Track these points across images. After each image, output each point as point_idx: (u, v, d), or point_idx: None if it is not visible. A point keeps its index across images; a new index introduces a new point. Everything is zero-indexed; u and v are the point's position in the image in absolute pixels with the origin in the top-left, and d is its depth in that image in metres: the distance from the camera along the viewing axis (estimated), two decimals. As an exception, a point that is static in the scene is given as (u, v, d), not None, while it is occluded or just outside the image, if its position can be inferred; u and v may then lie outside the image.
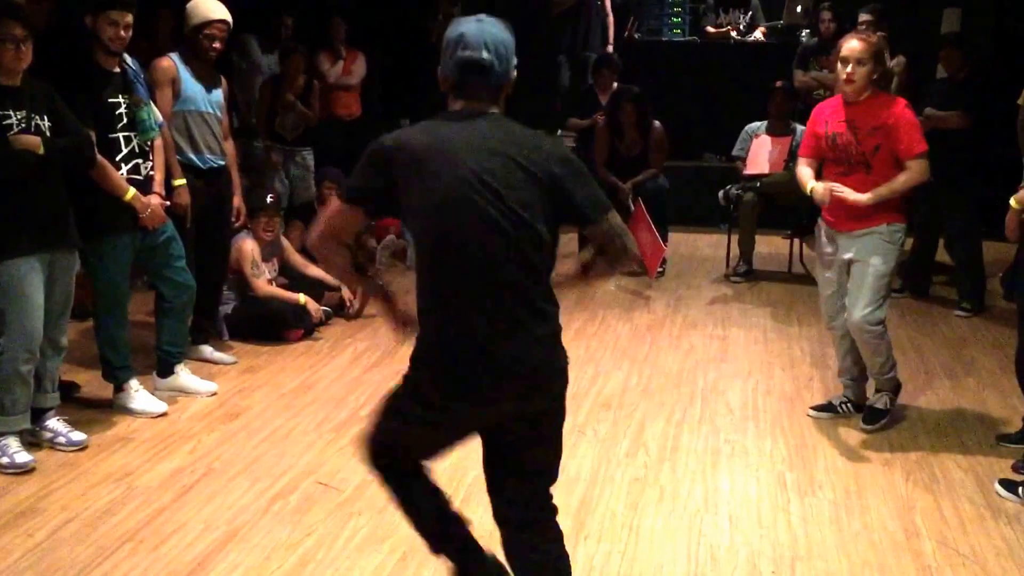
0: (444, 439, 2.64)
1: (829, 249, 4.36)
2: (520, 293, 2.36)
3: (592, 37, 9.30)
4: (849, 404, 4.56)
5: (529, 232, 2.35)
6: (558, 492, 3.81)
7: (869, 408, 4.45)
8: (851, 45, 4.08)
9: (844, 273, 4.31)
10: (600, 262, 2.51)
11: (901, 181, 4.11)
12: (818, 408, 4.61)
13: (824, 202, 4.20)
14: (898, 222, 4.21)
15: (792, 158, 7.15)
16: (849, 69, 4.07)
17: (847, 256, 4.26)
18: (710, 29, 9.53)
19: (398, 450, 2.63)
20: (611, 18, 9.48)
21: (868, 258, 4.18)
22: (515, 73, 2.53)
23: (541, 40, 9.36)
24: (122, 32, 4.30)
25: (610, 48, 9.37)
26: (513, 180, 2.35)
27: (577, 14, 9.20)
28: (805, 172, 4.35)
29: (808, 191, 4.26)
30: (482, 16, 2.48)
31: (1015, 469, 3.96)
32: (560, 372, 2.54)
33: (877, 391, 4.47)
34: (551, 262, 2.44)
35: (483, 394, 2.40)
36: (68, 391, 4.64)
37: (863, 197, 4.11)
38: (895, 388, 4.47)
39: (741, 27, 9.44)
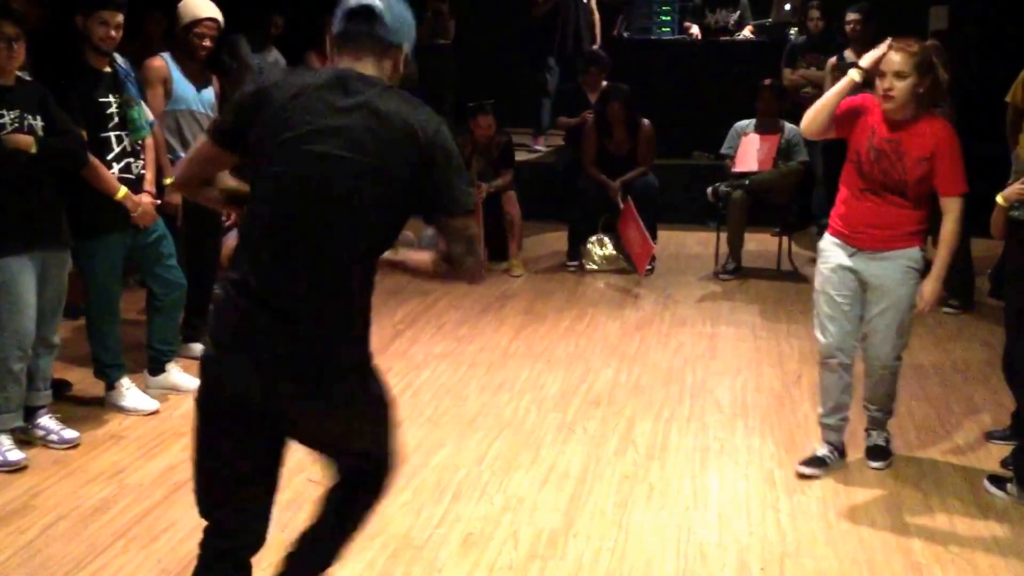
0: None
1: (848, 264, 3.85)
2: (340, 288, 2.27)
3: (581, 37, 9.32)
4: (837, 451, 4.06)
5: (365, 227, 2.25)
6: (548, 489, 3.85)
7: (874, 447, 4.07)
8: (891, 57, 3.63)
9: (859, 298, 3.88)
10: (442, 263, 2.35)
11: (952, 233, 3.76)
12: (808, 463, 4.01)
13: (877, 56, 3.67)
14: (922, 246, 3.87)
15: (781, 156, 7.20)
16: (887, 84, 3.63)
17: (870, 279, 3.82)
18: (689, 26, 9.54)
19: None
20: (597, 16, 9.48)
21: (897, 287, 3.79)
22: (408, 47, 2.39)
23: (528, 41, 9.39)
24: (112, 32, 4.30)
25: (596, 47, 9.37)
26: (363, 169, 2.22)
27: (561, 14, 9.20)
28: (820, 101, 3.84)
29: (857, 77, 3.73)
30: None
31: (1004, 466, 3.99)
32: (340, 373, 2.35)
33: (872, 430, 4.11)
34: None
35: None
36: (60, 389, 4.65)
37: (934, 283, 3.77)
38: (886, 422, 4.14)
39: (729, 25, 9.45)
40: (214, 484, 2.41)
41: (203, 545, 2.48)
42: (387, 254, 2.36)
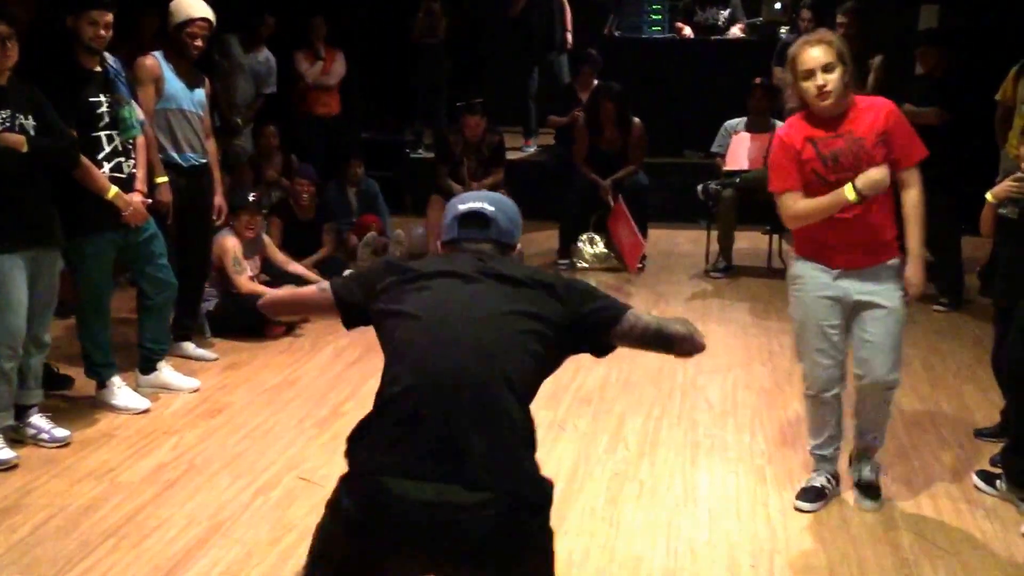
0: None
1: (831, 293, 3.57)
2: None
3: (556, 36, 9.32)
4: (833, 480, 3.81)
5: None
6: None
7: (867, 484, 3.73)
8: (811, 55, 3.41)
9: (845, 327, 3.61)
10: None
11: (920, 204, 3.55)
12: (807, 498, 3.73)
13: (883, 186, 3.44)
14: (899, 254, 3.61)
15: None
16: (819, 80, 3.40)
17: (859, 297, 3.55)
18: (681, 27, 9.56)
19: None
20: (569, 15, 9.43)
21: (891, 300, 3.53)
22: (520, 247, 2.44)
23: (505, 43, 9.40)
24: (102, 32, 4.30)
25: (569, 37, 9.31)
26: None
27: (535, 14, 9.21)
28: (804, 204, 3.51)
29: (852, 198, 3.41)
30: None
31: (993, 463, 4.00)
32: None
33: (861, 460, 3.79)
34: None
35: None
36: (63, 384, 4.72)
37: (915, 268, 3.58)
38: (876, 451, 3.83)
39: (719, 23, 9.47)
40: None
41: None
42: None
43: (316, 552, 2.21)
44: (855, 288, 3.54)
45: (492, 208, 2.37)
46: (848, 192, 3.41)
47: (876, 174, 3.41)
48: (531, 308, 2.21)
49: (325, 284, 2.42)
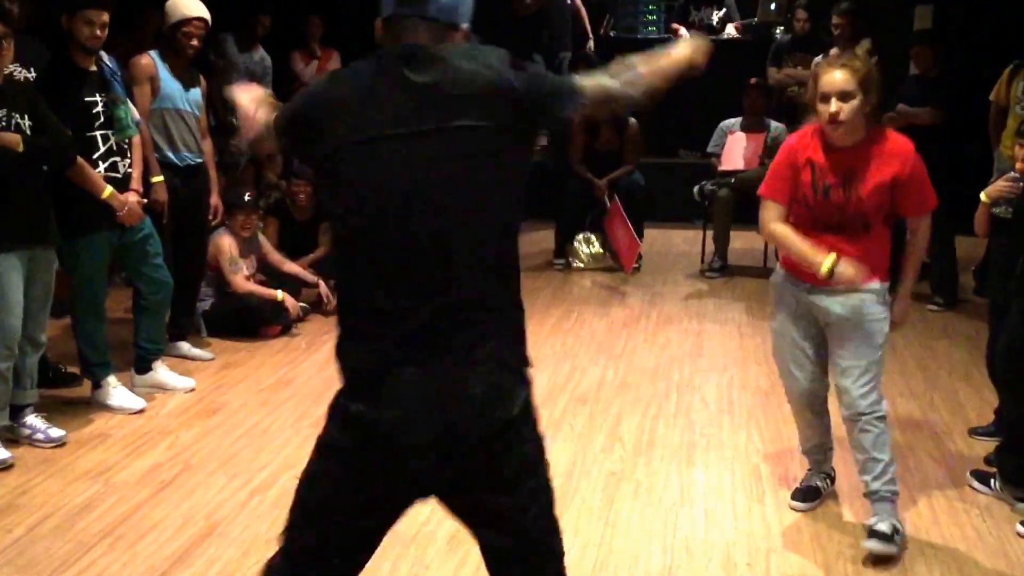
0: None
1: (804, 301, 3.43)
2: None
3: (564, 36, 9.32)
4: (828, 480, 3.76)
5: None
6: (536, 486, 3.86)
7: (872, 530, 3.34)
8: (832, 77, 3.21)
9: (820, 337, 3.46)
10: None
11: (920, 250, 3.45)
12: (800, 497, 3.70)
13: (856, 283, 3.24)
14: (885, 282, 3.39)
15: (768, 154, 7.23)
16: (833, 107, 3.19)
17: (828, 317, 3.37)
18: (677, 28, 9.57)
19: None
20: (584, 13, 9.46)
21: (861, 324, 3.30)
22: (466, 24, 2.08)
23: (516, 41, 9.38)
24: (98, 31, 4.29)
25: (590, 44, 9.36)
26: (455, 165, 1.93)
27: (547, 14, 9.21)
28: (783, 231, 3.38)
29: (822, 271, 3.21)
30: None
31: (987, 462, 4.01)
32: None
33: (873, 505, 3.41)
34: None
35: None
36: (69, 381, 4.79)
37: (901, 304, 3.43)
38: (895, 511, 3.41)
39: (714, 23, 9.48)
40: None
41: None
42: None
43: (303, 502, 2.08)
44: (823, 306, 3.36)
45: None
46: (823, 265, 3.21)
47: (853, 273, 3.18)
48: (487, 145, 1.95)
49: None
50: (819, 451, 3.73)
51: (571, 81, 2.13)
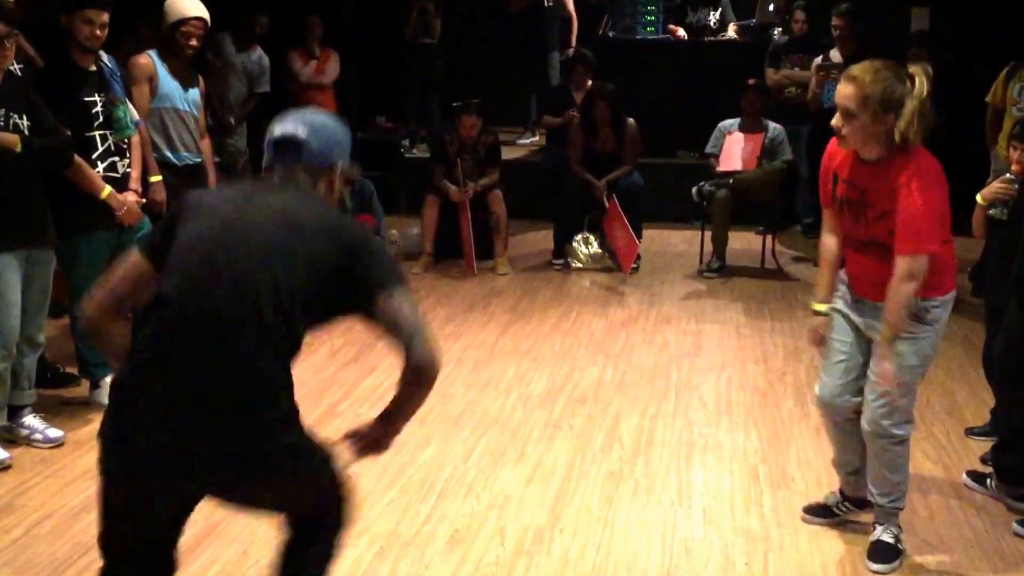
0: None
1: (848, 312, 3.30)
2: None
3: (548, 36, 9.35)
4: (848, 503, 3.56)
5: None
6: (534, 486, 3.87)
7: (876, 543, 3.33)
8: (840, 90, 3.02)
9: (861, 347, 3.28)
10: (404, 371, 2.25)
11: (897, 294, 3.02)
12: (813, 512, 3.61)
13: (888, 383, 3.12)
14: (936, 295, 3.14)
15: (765, 155, 7.24)
16: (836, 121, 3.04)
17: (867, 331, 3.24)
18: (675, 29, 9.59)
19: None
20: (575, 22, 9.48)
21: (896, 344, 3.11)
22: (340, 163, 2.37)
23: (507, 38, 9.42)
24: (98, 31, 4.28)
25: (569, 52, 9.39)
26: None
27: (540, 13, 9.24)
28: (822, 248, 3.30)
29: (812, 308, 3.36)
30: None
31: (983, 461, 4.02)
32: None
33: (879, 520, 3.36)
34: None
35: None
36: (68, 382, 4.78)
37: (887, 366, 3.10)
38: (897, 516, 3.38)
39: (710, 24, 9.49)
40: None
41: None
42: None
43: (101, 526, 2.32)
44: (864, 319, 3.24)
45: (304, 131, 2.31)
46: (813, 306, 3.36)
47: (886, 371, 3.09)
48: (303, 249, 2.20)
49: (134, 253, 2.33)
50: (845, 468, 3.51)
51: (396, 276, 2.28)
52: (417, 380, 2.24)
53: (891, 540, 3.31)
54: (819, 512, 3.60)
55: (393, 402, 2.33)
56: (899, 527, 3.37)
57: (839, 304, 3.33)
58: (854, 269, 3.28)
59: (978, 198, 4.07)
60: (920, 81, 2.98)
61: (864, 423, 3.25)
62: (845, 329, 3.31)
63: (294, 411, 2.25)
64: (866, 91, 2.95)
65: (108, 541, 2.32)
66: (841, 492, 3.57)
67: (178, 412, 2.12)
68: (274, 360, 2.18)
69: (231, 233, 2.19)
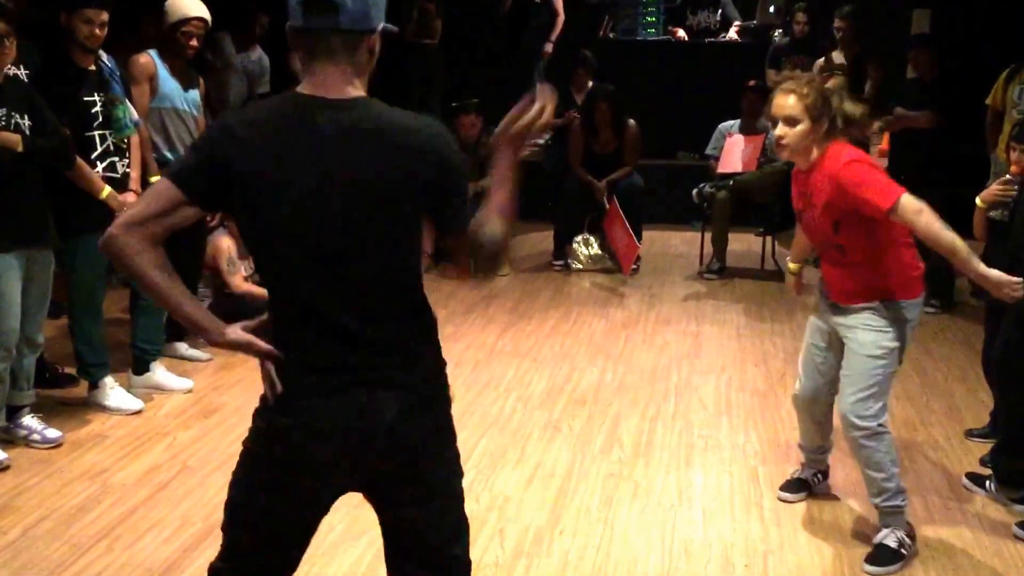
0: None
1: (820, 316, 3.54)
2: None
3: (531, 36, 9.38)
4: (819, 475, 3.82)
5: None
6: (534, 487, 3.87)
7: (877, 546, 3.35)
8: (776, 101, 3.24)
9: (834, 348, 3.48)
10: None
11: (928, 228, 3.14)
12: (789, 489, 3.80)
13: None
14: (906, 298, 3.31)
15: (765, 156, 7.24)
16: (779, 131, 3.22)
17: (838, 329, 3.41)
18: (676, 30, 9.60)
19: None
20: (561, 15, 9.50)
21: (858, 335, 3.29)
22: (380, 26, 2.01)
23: (494, 38, 9.44)
24: (97, 30, 4.28)
25: (548, 47, 9.40)
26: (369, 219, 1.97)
27: (525, 12, 9.29)
28: (796, 238, 3.63)
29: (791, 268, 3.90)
30: None
31: (983, 463, 4.02)
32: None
33: (883, 523, 3.38)
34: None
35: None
36: (66, 382, 4.78)
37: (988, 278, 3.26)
38: (904, 521, 3.39)
39: (712, 26, 9.49)
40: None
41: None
42: None
43: (236, 504, 2.23)
44: (834, 320, 3.41)
45: None
46: (790, 265, 3.86)
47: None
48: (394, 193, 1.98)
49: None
50: (816, 451, 3.80)
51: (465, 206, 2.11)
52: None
53: (894, 544, 3.32)
54: (795, 487, 3.79)
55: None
56: (907, 530, 3.38)
57: (816, 315, 3.57)
58: (825, 275, 3.48)
59: (978, 201, 4.07)
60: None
61: (839, 419, 3.38)
62: (819, 335, 3.53)
63: None
64: (808, 99, 3.21)
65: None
66: (812, 468, 3.82)
67: None
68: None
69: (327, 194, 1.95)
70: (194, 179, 2.01)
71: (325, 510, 2.20)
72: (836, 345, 3.46)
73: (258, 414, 2.15)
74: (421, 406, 2.10)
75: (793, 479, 3.83)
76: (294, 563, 2.24)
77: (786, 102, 3.22)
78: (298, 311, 2.06)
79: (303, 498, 2.13)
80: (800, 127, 3.20)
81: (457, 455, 2.27)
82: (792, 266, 3.93)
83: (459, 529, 2.24)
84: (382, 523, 2.21)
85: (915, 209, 3.09)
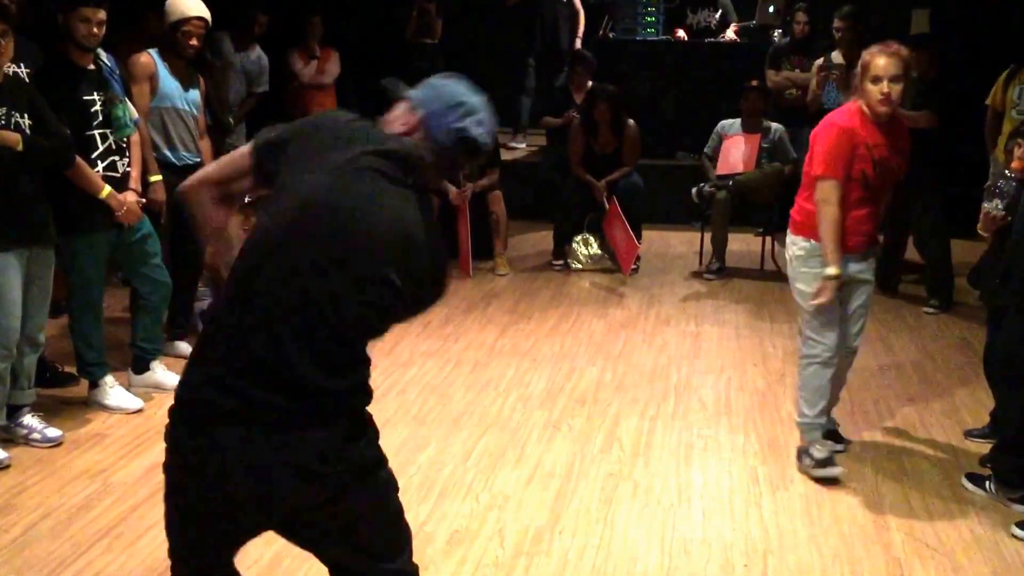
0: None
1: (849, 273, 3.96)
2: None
3: (558, 35, 9.36)
4: (838, 438, 4.28)
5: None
6: (534, 486, 3.87)
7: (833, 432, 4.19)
8: (882, 63, 3.73)
9: (845, 301, 4.01)
10: None
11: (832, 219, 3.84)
12: (828, 464, 4.01)
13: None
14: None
15: (766, 156, 7.24)
16: (885, 88, 3.72)
17: (856, 275, 3.96)
18: (676, 30, 9.61)
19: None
20: (582, 14, 9.53)
21: (870, 276, 4.02)
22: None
23: (505, 38, 9.43)
24: (95, 29, 4.27)
25: (578, 43, 9.41)
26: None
27: (538, 11, 9.27)
28: (834, 216, 3.80)
29: (830, 273, 3.80)
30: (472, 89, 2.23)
31: (982, 463, 4.02)
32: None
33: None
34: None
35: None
36: (66, 381, 4.78)
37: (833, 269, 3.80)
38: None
39: (711, 26, 9.49)
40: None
41: None
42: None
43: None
44: (853, 268, 3.93)
45: (490, 143, 2.21)
46: (831, 268, 3.80)
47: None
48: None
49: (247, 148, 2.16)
50: (823, 413, 4.11)
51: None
52: None
53: (822, 455, 3.96)
54: (831, 463, 3.98)
55: None
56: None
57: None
58: (859, 224, 3.88)
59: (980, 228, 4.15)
60: None
61: (851, 345, 4.08)
62: (840, 288, 3.89)
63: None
64: (903, 59, 3.76)
65: None
66: (818, 441, 4.06)
67: None
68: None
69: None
70: (269, 159, 2.09)
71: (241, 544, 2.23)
72: (845, 297, 3.97)
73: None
74: (340, 446, 2.05)
75: (830, 456, 3.99)
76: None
77: (892, 62, 3.73)
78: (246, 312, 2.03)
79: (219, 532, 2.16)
80: (902, 84, 3.75)
81: (384, 479, 2.19)
82: (835, 270, 3.82)
83: (394, 546, 2.25)
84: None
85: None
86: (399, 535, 2.26)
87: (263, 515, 2.09)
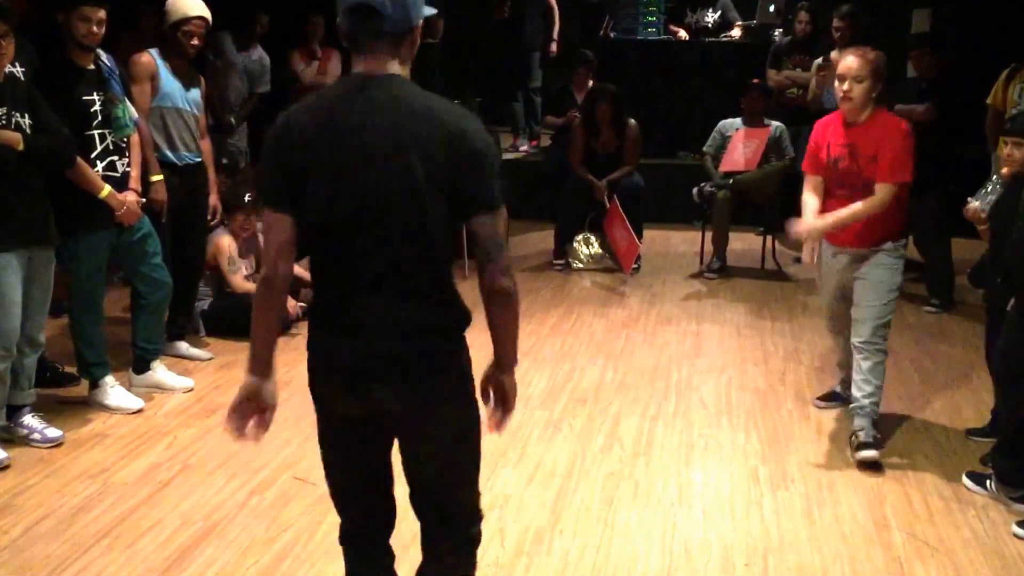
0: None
1: (828, 271, 4.36)
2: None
3: (531, 36, 9.38)
4: (846, 390, 4.52)
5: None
6: (535, 486, 3.87)
7: (860, 444, 4.06)
8: (847, 62, 3.96)
9: (842, 287, 4.30)
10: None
11: (866, 208, 4.02)
12: (825, 399, 4.72)
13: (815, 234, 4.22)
14: (898, 240, 4.17)
15: (769, 153, 7.23)
16: (846, 86, 3.94)
17: (853, 274, 4.19)
18: (676, 30, 9.61)
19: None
20: (556, 13, 9.53)
21: (875, 271, 4.13)
22: (421, 20, 2.27)
23: (492, 42, 9.46)
24: (95, 28, 4.27)
25: (553, 47, 9.43)
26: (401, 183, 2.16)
27: (522, 17, 9.30)
28: (810, 201, 4.20)
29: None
30: None
31: (983, 462, 4.02)
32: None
33: (860, 425, 4.12)
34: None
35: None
36: (67, 381, 4.79)
37: (820, 223, 4.13)
38: (876, 417, 4.19)
39: (709, 25, 9.49)
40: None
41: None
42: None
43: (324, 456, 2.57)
44: (850, 268, 4.21)
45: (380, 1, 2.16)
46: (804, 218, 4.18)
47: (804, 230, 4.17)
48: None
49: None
50: (848, 361, 4.42)
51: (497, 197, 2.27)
52: (491, 301, 2.30)
53: (873, 440, 4.10)
54: (829, 398, 4.69)
55: (494, 342, 2.37)
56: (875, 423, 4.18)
57: (823, 267, 4.37)
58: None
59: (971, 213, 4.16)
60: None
61: (857, 342, 4.20)
62: (832, 278, 4.32)
63: None
64: (870, 62, 3.92)
65: None
66: (844, 384, 4.55)
67: None
68: None
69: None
70: (284, 199, 2.23)
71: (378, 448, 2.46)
72: (842, 283, 4.26)
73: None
74: (438, 355, 2.28)
75: (829, 392, 4.71)
76: (386, 507, 2.61)
77: (856, 63, 3.93)
78: (336, 261, 2.24)
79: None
80: (865, 84, 3.92)
81: (467, 405, 2.38)
82: (803, 226, 4.20)
83: (466, 476, 2.47)
84: (402, 458, 2.45)
85: (885, 197, 4.03)
86: (471, 467, 2.51)
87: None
